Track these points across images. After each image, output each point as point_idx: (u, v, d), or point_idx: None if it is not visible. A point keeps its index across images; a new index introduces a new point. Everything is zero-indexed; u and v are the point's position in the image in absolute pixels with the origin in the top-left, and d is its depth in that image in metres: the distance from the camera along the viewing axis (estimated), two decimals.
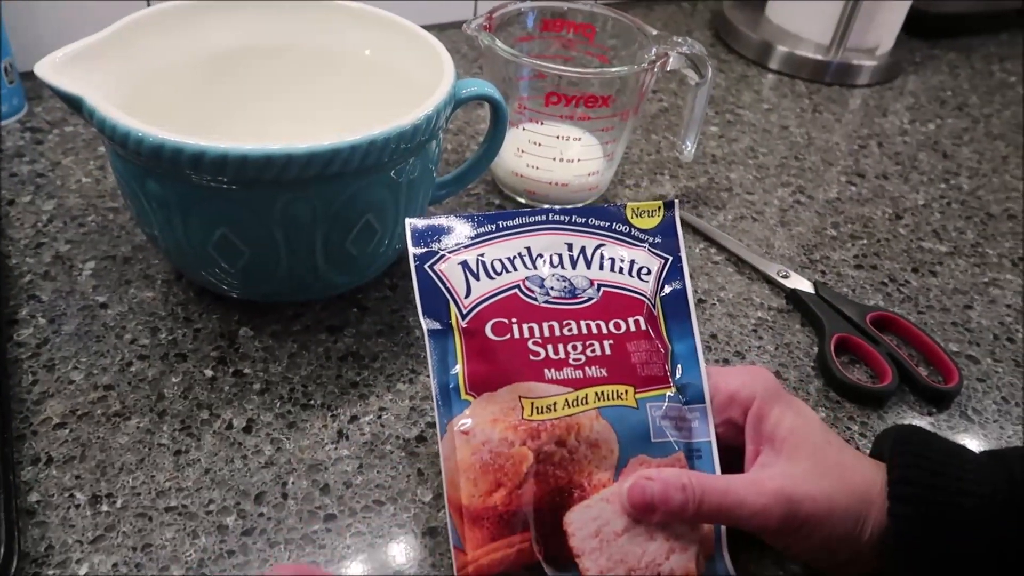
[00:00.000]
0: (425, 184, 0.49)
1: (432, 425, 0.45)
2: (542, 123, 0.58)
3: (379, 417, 0.45)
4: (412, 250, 0.40)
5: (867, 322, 0.52)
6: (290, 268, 0.46)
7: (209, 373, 0.46)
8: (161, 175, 0.42)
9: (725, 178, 0.70)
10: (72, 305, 0.50)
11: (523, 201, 0.63)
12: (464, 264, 0.40)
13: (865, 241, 0.63)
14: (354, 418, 0.45)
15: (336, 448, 0.43)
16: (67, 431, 0.42)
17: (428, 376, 0.47)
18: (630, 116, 0.59)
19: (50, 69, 0.43)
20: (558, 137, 0.59)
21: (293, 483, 0.41)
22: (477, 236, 0.41)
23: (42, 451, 0.41)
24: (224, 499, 0.40)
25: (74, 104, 0.42)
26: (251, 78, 0.56)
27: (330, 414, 0.45)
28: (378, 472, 0.42)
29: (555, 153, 0.59)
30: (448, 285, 0.39)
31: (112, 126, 0.40)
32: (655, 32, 0.60)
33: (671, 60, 0.58)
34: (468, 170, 0.56)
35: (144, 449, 0.42)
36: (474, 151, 0.56)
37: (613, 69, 0.58)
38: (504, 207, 0.63)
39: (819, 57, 0.89)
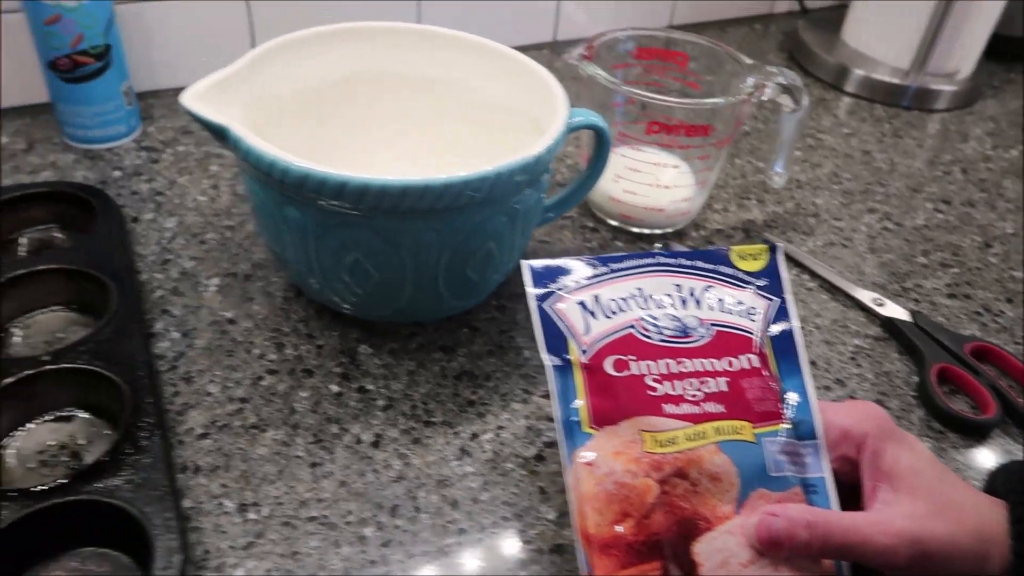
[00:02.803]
0: (536, 210, 0.51)
1: (549, 445, 0.47)
2: (640, 149, 0.60)
3: (498, 435, 0.47)
4: (532, 291, 0.42)
5: (966, 352, 0.53)
6: (413, 292, 0.48)
7: (335, 388, 0.49)
8: (301, 202, 0.44)
9: (811, 203, 0.71)
10: (202, 320, 0.52)
11: (615, 224, 0.65)
12: (582, 304, 0.42)
13: (956, 270, 0.64)
14: (474, 435, 0.47)
15: (460, 464, 0.45)
16: (210, 441, 0.45)
17: (540, 396, 0.49)
18: (726, 145, 0.61)
19: (195, 100, 0.46)
20: (655, 164, 0.60)
21: (424, 497, 0.43)
22: (592, 277, 0.43)
23: (189, 460, 0.44)
24: (361, 511, 0.42)
25: (218, 133, 0.45)
26: (355, 106, 0.58)
27: (451, 431, 0.47)
28: (502, 489, 0.44)
29: (651, 179, 0.61)
30: (567, 323, 0.41)
31: (257, 156, 0.43)
32: (749, 61, 0.62)
33: (768, 90, 0.59)
34: (570, 195, 0.58)
35: (282, 461, 0.44)
36: (573, 177, 0.57)
37: (713, 100, 0.59)
38: (597, 230, 0.65)
39: (897, 81, 0.90)
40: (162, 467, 0.39)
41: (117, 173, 0.65)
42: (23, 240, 0.56)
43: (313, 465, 0.44)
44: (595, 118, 0.53)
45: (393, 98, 0.59)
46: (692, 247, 0.64)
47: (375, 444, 0.46)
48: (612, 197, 0.63)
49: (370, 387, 0.49)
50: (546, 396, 0.50)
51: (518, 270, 0.42)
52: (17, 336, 0.49)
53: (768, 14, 1.07)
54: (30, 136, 0.68)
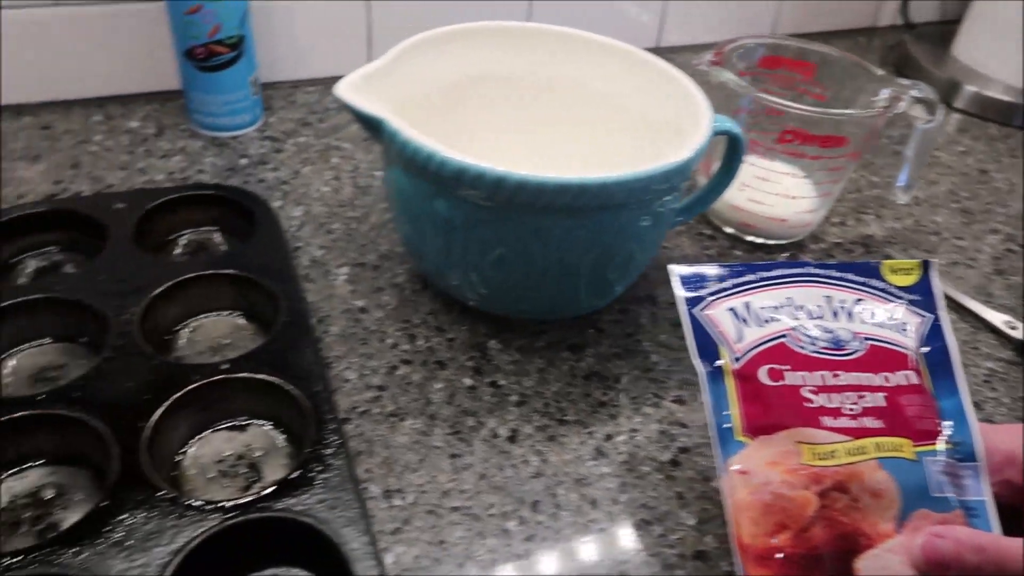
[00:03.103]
0: (672, 215, 0.51)
1: (684, 450, 0.46)
2: (770, 159, 0.59)
3: (632, 438, 0.47)
4: (682, 294, 0.42)
5: None
6: (553, 289, 0.48)
7: (468, 382, 0.49)
8: (452, 196, 0.45)
9: (931, 221, 0.69)
10: (335, 307, 0.53)
11: (730, 231, 0.64)
12: (732, 311, 0.41)
13: None
14: (608, 437, 0.47)
15: (597, 465, 0.45)
16: (352, 426, 0.46)
17: (671, 401, 0.49)
18: (857, 158, 0.60)
19: (351, 91, 0.47)
20: (784, 174, 0.60)
21: (563, 495, 0.43)
22: (741, 284, 0.42)
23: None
24: (503, 504, 0.43)
25: (372, 125, 0.46)
26: (485, 105, 0.59)
27: (585, 431, 0.47)
28: (640, 492, 0.44)
29: (779, 189, 0.60)
30: (718, 330, 0.41)
31: (415, 148, 0.44)
32: (880, 72, 0.61)
33: (902, 103, 0.58)
34: (697, 202, 0.57)
35: (422, 450, 0.45)
36: (704, 183, 0.57)
37: (853, 111, 0.59)
38: (715, 237, 0.64)
39: (1010, 99, 0.87)
40: (351, 487, 0.39)
41: (243, 161, 0.67)
42: (182, 241, 0.57)
43: (452, 456, 0.45)
44: (731, 124, 0.52)
45: (522, 98, 0.60)
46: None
47: (511, 439, 0.46)
48: (734, 205, 0.62)
49: (502, 382, 0.49)
50: (677, 401, 0.49)
51: (642, 274, 0.42)
52: (183, 339, 0.50)
53: (872, 27, 1.05)
54: (159, 122, 0.70)
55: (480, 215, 0.45)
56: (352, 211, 0.62)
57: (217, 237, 0.58)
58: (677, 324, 0.42)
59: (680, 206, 0.57)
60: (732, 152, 0.54)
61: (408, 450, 0.45)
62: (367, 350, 0.51)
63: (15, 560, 0.35)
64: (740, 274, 0.43)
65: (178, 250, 0.57)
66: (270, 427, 0.45)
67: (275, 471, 0.43)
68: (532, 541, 0.41)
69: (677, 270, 0.43)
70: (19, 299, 0.47)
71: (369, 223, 0.61)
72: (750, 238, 0.64)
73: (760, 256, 0.63)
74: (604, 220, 0.45)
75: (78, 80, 0.70)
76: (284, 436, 0.44)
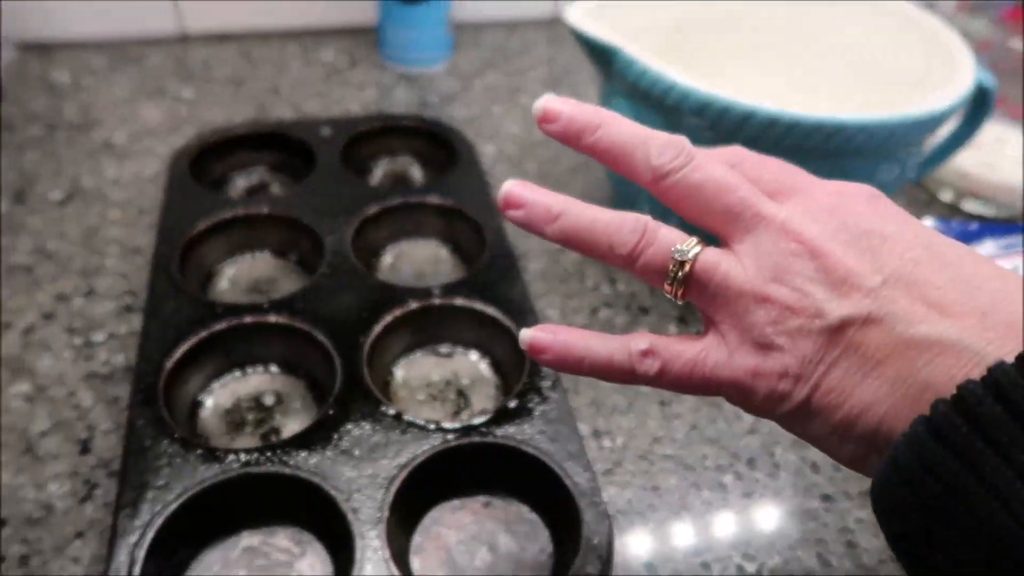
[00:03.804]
0: (911, 170, 0.47)
1: None
2: (1012, 120, 0.54)
3: None
4: None
5: None
6: None
7: (673, 329, 0.47)
8: (687, 131, 0.42)
9: None
10: (533, 246, 0.52)
11: (947, 199, 0.59)
12: None
13: None
14: None
15: None
16: None
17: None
18: None
19: (585, 18, 0.45)
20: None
21: (781, 455, 0.41)
22: (1009, 246, 0.38)
23: None
24: (717, 457, 0.41)
25: (602, 53, 0.44)
26: (720, 43, 0.55)
27: None
28: None
29: (1019, 153, 0.55)
30: None
31: (655, 79, 0.41)
32: None
33: None
34: (930, 159, 0.53)
35: (630, 394, 0.43)
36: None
37: None
38: (930, 204, 0.59)
39: None
40: (570, 421, 0.38)
41: (433, 97, 0.67)
42: (379, 169, 0.58)
43: (661, 404, 0.43)
44: (984, 77, 0.47)
45: (744, 42, 0.56)
46: None
47: None
48: (961, 169, 0.57)
49: None
50: None
51: None
52: (386, 263, 0.50)
53: None
54: (352, 55, 0.71)
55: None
56: (545, 151, 0.61)
57: (414, 168, 0.58)
58: None
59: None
60: (978, 107, 0.49)
61: (615, 392, 0.43)
62: (567, 290, 0.49)
63: (251, 456, 0.35)
64: (1004, 235, 0.39)
65: (376, 178, 0.57)
66: (476, 356, 0.44)
67: (483, 400, 0.42)
68: (750, 498, 0.39)
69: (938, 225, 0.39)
70: (240, 212, 0.48)
71: (562, 165, 0.60)
72: (970, 208, 0.59)
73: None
74: (848, 166, 0.41)
75: (276, 12, 0.72)
76: (490, 366, 0.44)
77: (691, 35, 0.55)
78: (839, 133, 0.39)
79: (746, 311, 0.23)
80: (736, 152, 0.27)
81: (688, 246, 0.24)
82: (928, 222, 0.52)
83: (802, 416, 0.23)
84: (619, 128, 0.26)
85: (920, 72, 0.48)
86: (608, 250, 0.25)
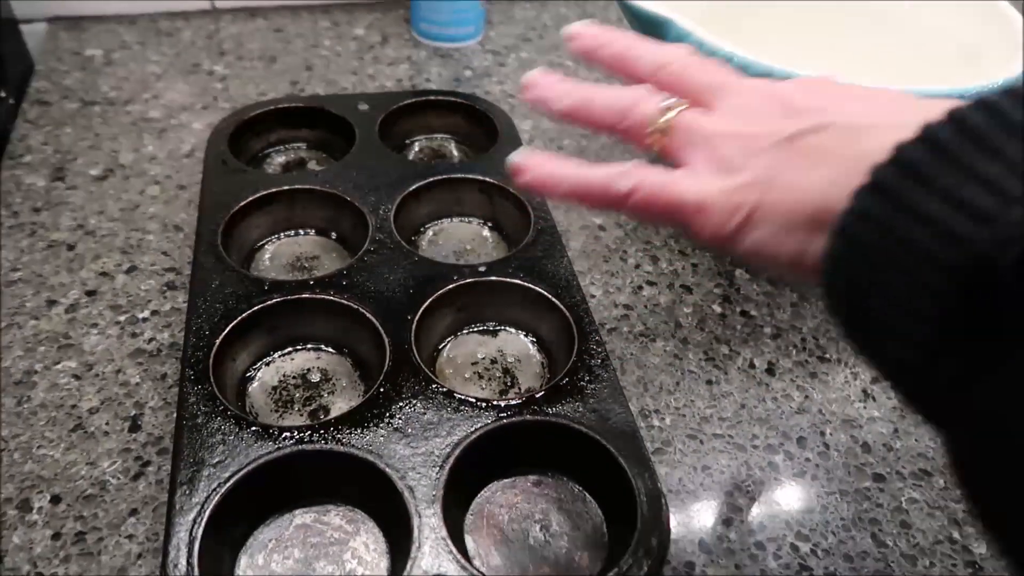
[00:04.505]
0: None
1: None
2: None
3: None
4: None
5: None
6: None
7: (717, 309, 0.47)
8: None
9: None
10: (573, 223, 0.52)
11: None
12: None
13: None
14: (875, 380, 0.43)
15: (865, 407, 0.42)
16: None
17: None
18: None
19: None
20: None
21: (831, 435, 0.41)
22: None
23: None
24: (767, 437, 0.40)
25: (653, 25, 0.43)
26: (768, 16, 0.54)
27: (850, 371, 0.44)
28: (916, 441, 0.40)
29: None
30: None
31: (710, 51, 0.41)
32: None
33: None
34: None
35: (677, 373, 0.43)
36: None
37: None
38: None
39: None
40: (622, 400, 0.38)
41: (468, 72, 0.66)
42: (416, 146, 0.57)
43: (709, 383, 0.43)
44: None
45: (799, 8, 0.55)
46: None
47: (769, 371, 0.43)
48: None
49: (753, 313, 0.47)
50: None
51: None
52: (426, 240, 0.50)
53: None
54: (383, 31, 0.70)
55: None
56: (581, 128, 0.60)
57: (451, 145, 0.57)
58: None
59: None
60: None
61: (662, 371, 0.43)
62: (609, 268, 0.49)
63: (304, 434, 0.35)
64: None
65: (413, 154, 0.56)
66: (521, 334, 0.44)
67: (529, 378, 0.42)
68: (802, 478, 0.39)
69: None
70: (282, 188, 0.48)
71: (599, 142, 0.59)
72: None
73: None
74: None
75: None
76: (535, 344, 0.44)
77: (732, 5, 0.54)
78: None
79: (719, 146, 0.26)
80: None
81: (675, 101, 0.28)
82: None
83: (750, 226, 0.25)
84: (625, 37, 0.30)
85: (972, 46, 0.47)
86: (607, 112, 0.29)
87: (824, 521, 0.37)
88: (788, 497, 0.38)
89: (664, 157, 0.28)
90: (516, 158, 0.30)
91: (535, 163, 0.29)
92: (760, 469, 0.39)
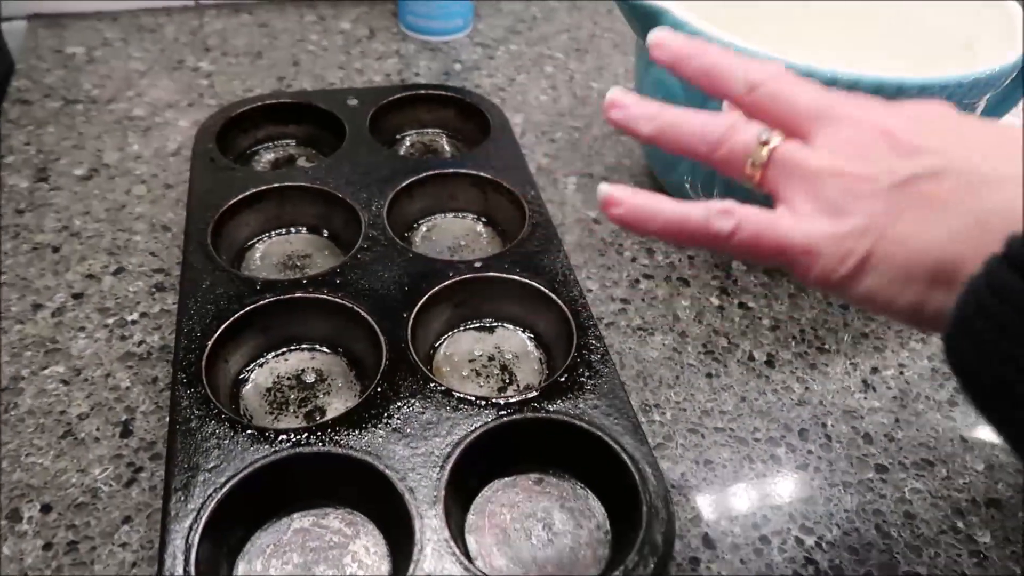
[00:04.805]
0: None
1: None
2: None
3: (901, 373, 0.43)
4: None
5: None
6: None
7: (715, 301, 0.46)
8: None
9: None
10: (567, 216, 0.51)
11: None
12: None
13: None
14: (875, 370, 0.43)
15: (866, 398, 0.42)
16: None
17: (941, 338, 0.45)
18: None
19: None
20: None
21: (832, 426, 0.40)
22: None
23: None
24: (768, 429, 0.40)
25: (647, 17, 0.43)
26: (746, 6, 0.54)
27: (849, 362, 0.43)
28: (917, 431, 0.40)
29: None
30: None
31: (707, 39, 0.40)
32: None
33: None
34: None
35: (676, 367, 0.43)
36: None
37: None
38: None
39: None
40: (623, 395, 0.37)
41: (457, 66, 0.65)
42: (406, 141, 0.56)
43: (708, 376, 0.42)
44: None
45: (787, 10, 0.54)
46: None
47: (768, 363, 0.43)
48: None
49: (751, 304, 0.46)
50: None
51: None
52: (419, 237, 0.49)
53: None
54: (370, 24, 0.69)
55: None
56: (573, 120, 0.60)
57: (442, 139, 0.57)
58: None
59: None
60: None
61: (661, 365, 0.43)
62: (605, 261, 0.48)
63: (301, 436, 0.35)
64: None
65: (404, 149, 0.56)
66: (518, 330, 0.43)
67: (527, 375, 0.41)
68: (804, 470, 0.38)
69: None
70: (272, 185, 0.47)
71: (591, 134, 0.58)
72: None
73: None
74: None
75: None
76: (533, 340, 0.43)
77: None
78: (901, 93, 0.38)
79: (822, 185, 0.25)
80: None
81: (773, 133, 0.26)
82: None
83: (862, 274, 0.24)
84: (713, 49, 0.28)
85: (969, 35, 0.46)
86: (698, 140, 0.27)
87: (828, 513, 0.37)
88: (791, 490, 0.37)
89: (758, 190, 0.27)
90: (608, 190, 0.28)
91: (627, 195, 0.27)
92: (762, 462, 0.38)
